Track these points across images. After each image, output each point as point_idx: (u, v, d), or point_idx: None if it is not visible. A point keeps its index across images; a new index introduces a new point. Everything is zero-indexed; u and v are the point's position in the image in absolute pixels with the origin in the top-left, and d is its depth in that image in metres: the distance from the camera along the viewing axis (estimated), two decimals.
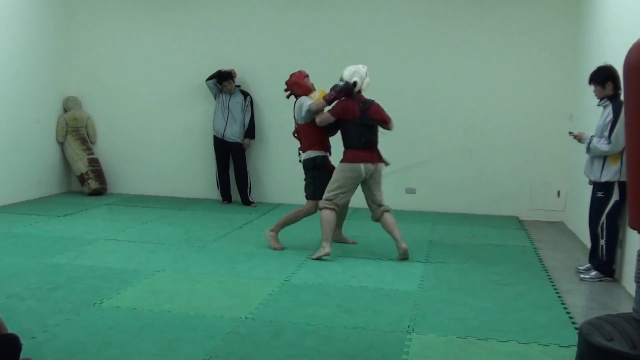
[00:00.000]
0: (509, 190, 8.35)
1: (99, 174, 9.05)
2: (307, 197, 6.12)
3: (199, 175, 9.05)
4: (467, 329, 4.18)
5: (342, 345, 3.86)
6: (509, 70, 8.24)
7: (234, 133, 8.52)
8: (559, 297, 4.95)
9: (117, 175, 9.30)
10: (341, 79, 5.96)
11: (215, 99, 8.62)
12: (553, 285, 5.25)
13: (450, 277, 5.41)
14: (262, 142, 8.83)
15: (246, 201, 8.60)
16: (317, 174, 6.07)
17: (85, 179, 9.02)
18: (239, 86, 8.62)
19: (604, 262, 5.39)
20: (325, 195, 5.93)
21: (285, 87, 6.30)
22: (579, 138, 5.54)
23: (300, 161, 6.20)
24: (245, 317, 4.28)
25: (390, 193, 8.51)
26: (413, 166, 8.52)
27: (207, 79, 8.53)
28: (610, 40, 6.22)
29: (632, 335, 2.74)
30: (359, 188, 6.04)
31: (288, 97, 6.34)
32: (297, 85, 6.20)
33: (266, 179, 8.91)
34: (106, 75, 9.17)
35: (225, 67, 8.52)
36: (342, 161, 5.94)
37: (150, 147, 9.13)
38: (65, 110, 9.19)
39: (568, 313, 4.56)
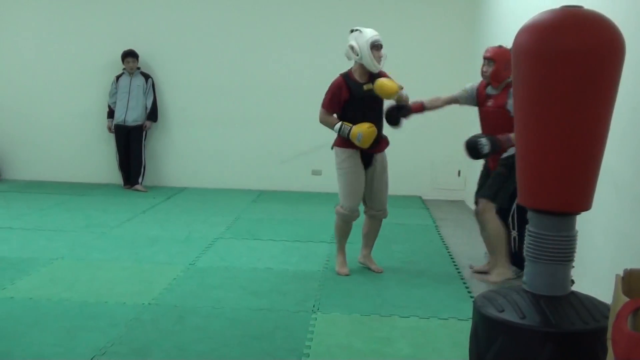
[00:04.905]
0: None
1: None
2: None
3: (99, 159, 8.71)
4: (372, 307, 4.28)
5: (247, 327, 3.86)
6: None
7: (134, 116, 8.28)
8: (459, 272, 5.15)
9: (10, 160, 8.84)
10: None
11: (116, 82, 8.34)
12: (454, 263, 5.43)
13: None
14: (164, 126, 8.62)
15: (135, 184, 8.34)
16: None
17: None
18: (139, 68, 8.37)
19: (517, 253, 4.79)
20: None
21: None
22: None
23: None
24: (149, 303, 4.21)
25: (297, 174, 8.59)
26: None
27: None
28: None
29: (522, 306, 2.87)
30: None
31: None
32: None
33: (168, 162, 8.71)
34: None
35: (126, 48, 8.27)
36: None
37: (47, 131, 8.69)
38: None
39: (467, 288, 4.75)
